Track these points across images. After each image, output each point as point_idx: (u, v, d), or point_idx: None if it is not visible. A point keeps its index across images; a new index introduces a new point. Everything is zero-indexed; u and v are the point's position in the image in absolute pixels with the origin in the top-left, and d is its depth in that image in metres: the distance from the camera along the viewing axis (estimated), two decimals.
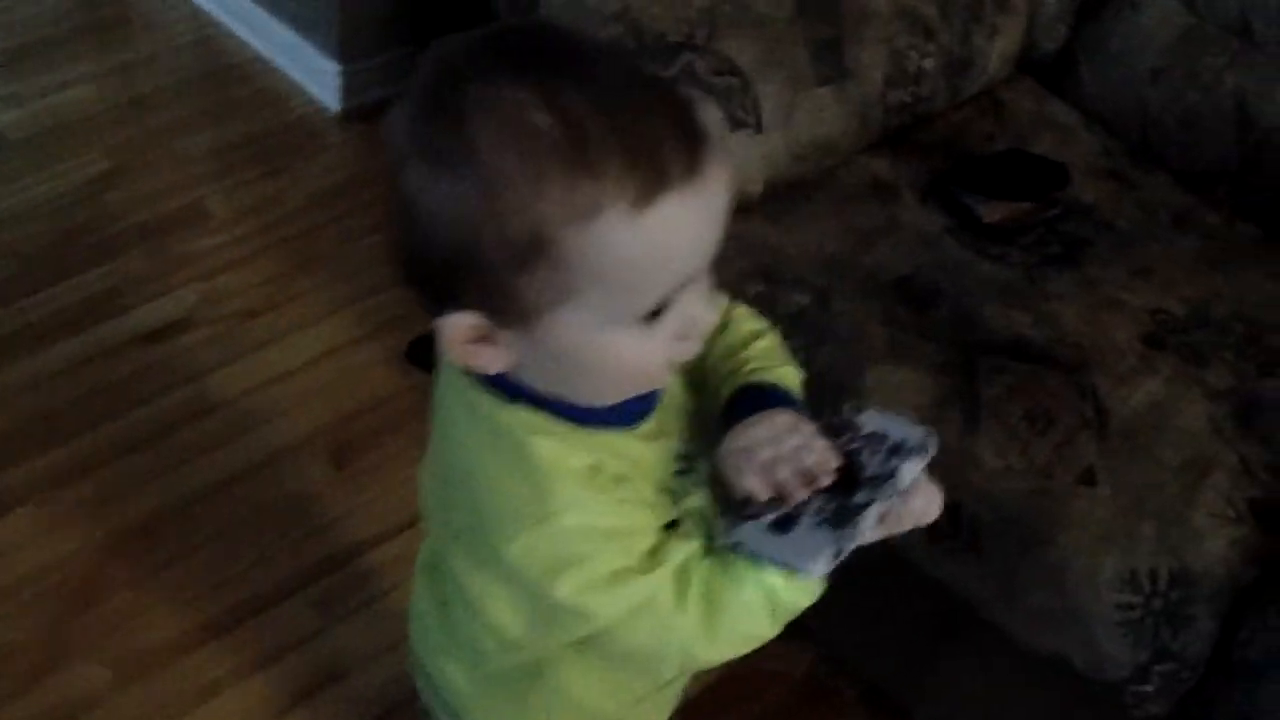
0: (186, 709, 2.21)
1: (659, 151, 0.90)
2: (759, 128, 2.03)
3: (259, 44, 3.62)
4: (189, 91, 3.52)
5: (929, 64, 2.28)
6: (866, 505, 1.06)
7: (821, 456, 1.09)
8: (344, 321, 2.88)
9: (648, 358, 1.02)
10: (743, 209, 2.08)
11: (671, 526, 1.14)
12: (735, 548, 1.08)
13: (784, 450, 1.09)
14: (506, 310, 0.97)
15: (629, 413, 1.12)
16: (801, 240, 2.06)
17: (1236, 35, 2.44)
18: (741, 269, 2.01)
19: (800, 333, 1.92)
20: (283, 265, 3.01)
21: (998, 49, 2.45)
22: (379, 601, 2.34)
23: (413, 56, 2.73)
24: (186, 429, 2.63)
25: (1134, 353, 1.98)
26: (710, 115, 0.98)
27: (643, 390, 1.10)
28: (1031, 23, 2.54)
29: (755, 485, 1.08)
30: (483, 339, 1.00)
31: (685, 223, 0.93)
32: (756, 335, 1.28)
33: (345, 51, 3.37)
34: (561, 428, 1.06)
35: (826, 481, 1.07)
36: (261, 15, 3.58)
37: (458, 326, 0.98)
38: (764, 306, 1.82)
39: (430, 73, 0.95)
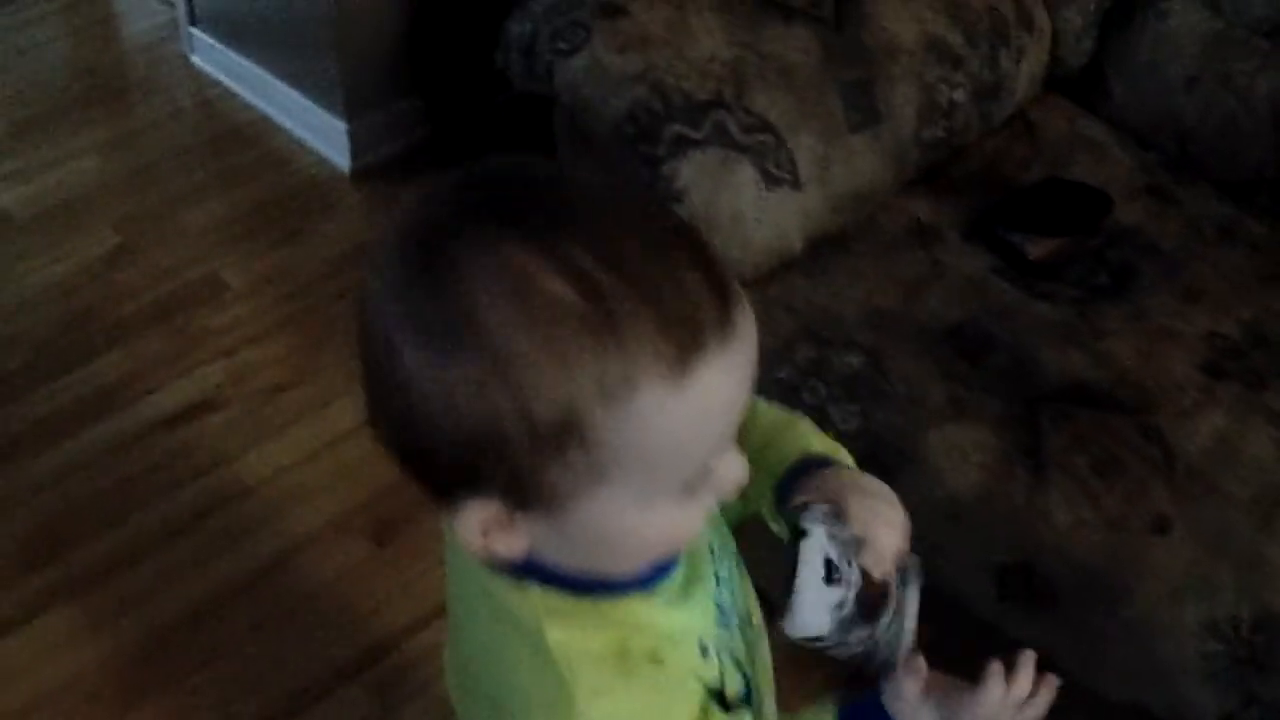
0: None
1: (690, 310, 0.81)
2: (796, 184, 1.96)
3: (263, 105, 3.57)
4: (195, 158, 3.46)
5: (959, 95, 2.21)
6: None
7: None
8: None
9: (685, 525, 0.95)
10: (784, 267, 2.01)
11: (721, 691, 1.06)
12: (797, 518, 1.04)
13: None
14: (531, 497, 0.86)
15: (655, 571, 1.03)
16: (847, 296, 1.99)
17: (1265, 37, 2.38)
18: (788, 332, 1.94)
19: (856, 396, 1.86)
20: (306, 335, 2.93)
21: (1025, 70, 2.38)
22: (436, 683, 2.25)
23: (420, 107, 2.69)
24: (218, 515, 2.56)
25: (1193, 385, 1.91)
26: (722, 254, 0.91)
27: (676, 553, 1.03)
28: (1056, 39, 2.46)
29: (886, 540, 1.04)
30: (500, 525, 0.89)
31: (723, 383, 0.84)
32: (790, 420, 1.23)
33: (351, 108, 3.31)
34: (579, 606, 0.98)
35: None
36: (262, 75, 3.52)
37: (474, 519, 0.88)
38: (815, 371, 1.82)
39: (411, 235, 0.84)
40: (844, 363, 1.91)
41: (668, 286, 0.80)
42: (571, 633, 0.95)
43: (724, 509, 1.15)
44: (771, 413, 1.24)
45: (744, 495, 1.09)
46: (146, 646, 2.35)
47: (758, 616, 1.20)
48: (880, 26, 2.13)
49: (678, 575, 1.04)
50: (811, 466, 1.14)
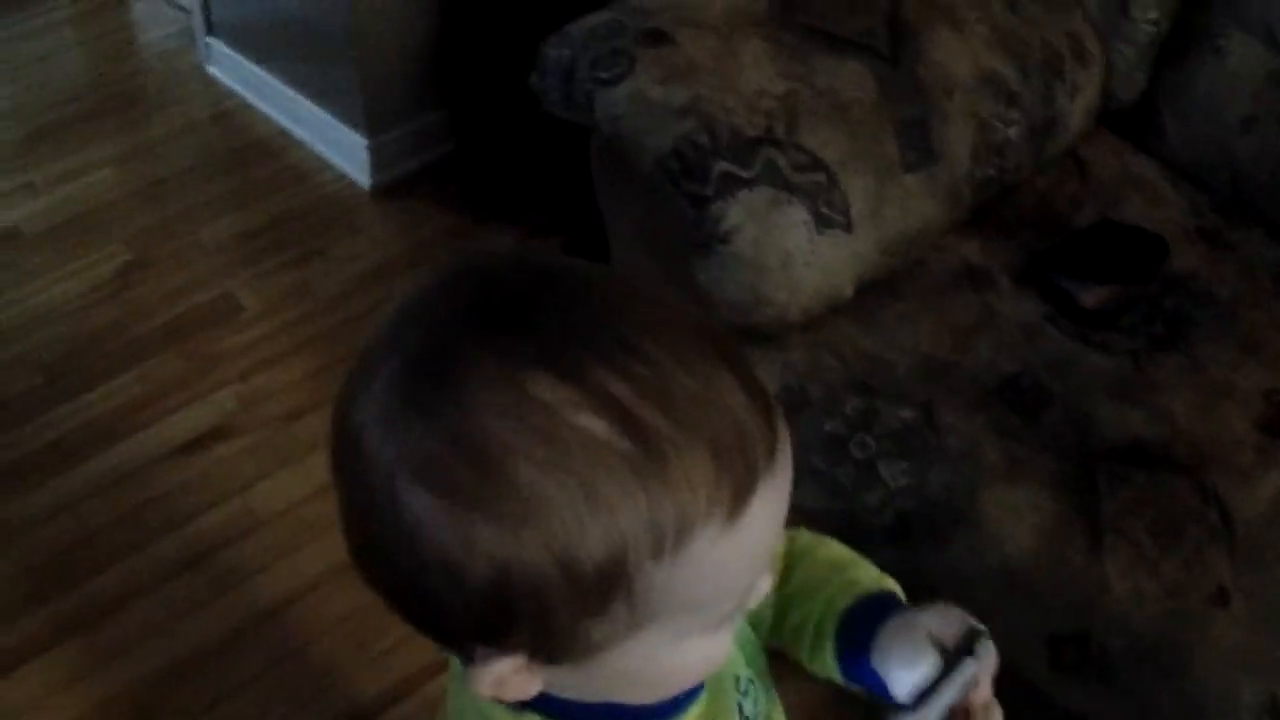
0: None
1: (742, 441, 0.74)
2: (848, 226, 1.87)
3: (281, 118, 3.48)
4: (211, 172, 3.38)
5: (1014, 132, 2.12)
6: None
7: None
8: None
9: (715, 655, 0.88)
10: (832, 312, 1.93)
11: None
12: None
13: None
14: (561, 651, 0.78)
15: (673, 703, 0.95)
16: (897, 344, 1.91)
17: None
18: (837, 381, 1.85)
19: (907, 452, 1.78)
20: (323, 358, 2.85)
21: (1079, 105, 2.29)
22: None
23: (444, 121, 2.60)
24: (229, 550, 2.48)
25: (1251, 444, 1.83)
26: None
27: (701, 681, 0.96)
28: (1108, 71, 2.36)
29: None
30: (517, 675, 0.81)
31: (771, 509, 0.78)
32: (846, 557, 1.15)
33: (372, 122, 3.22)
34: None
35: None
36: (283, 88, 3.44)
37: (491, 674, 0.79)
38: (864, 424, 1.77)
39: (413, 362, 0.74)
40: (894, 416, 1.82)
41: (716, 417, 0.73)
42: None
43: (757, 627, 1.11)
44: (806, 545, 1.17)
45: (783, 633, 1.11)
46: (152, 687, 2.27)
47: None
48: (935, 60, 2.04)
49: (698, 707, 0.97)
50: (871, 613, 1.05)
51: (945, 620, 0.99)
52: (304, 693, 2.25)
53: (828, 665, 1.07)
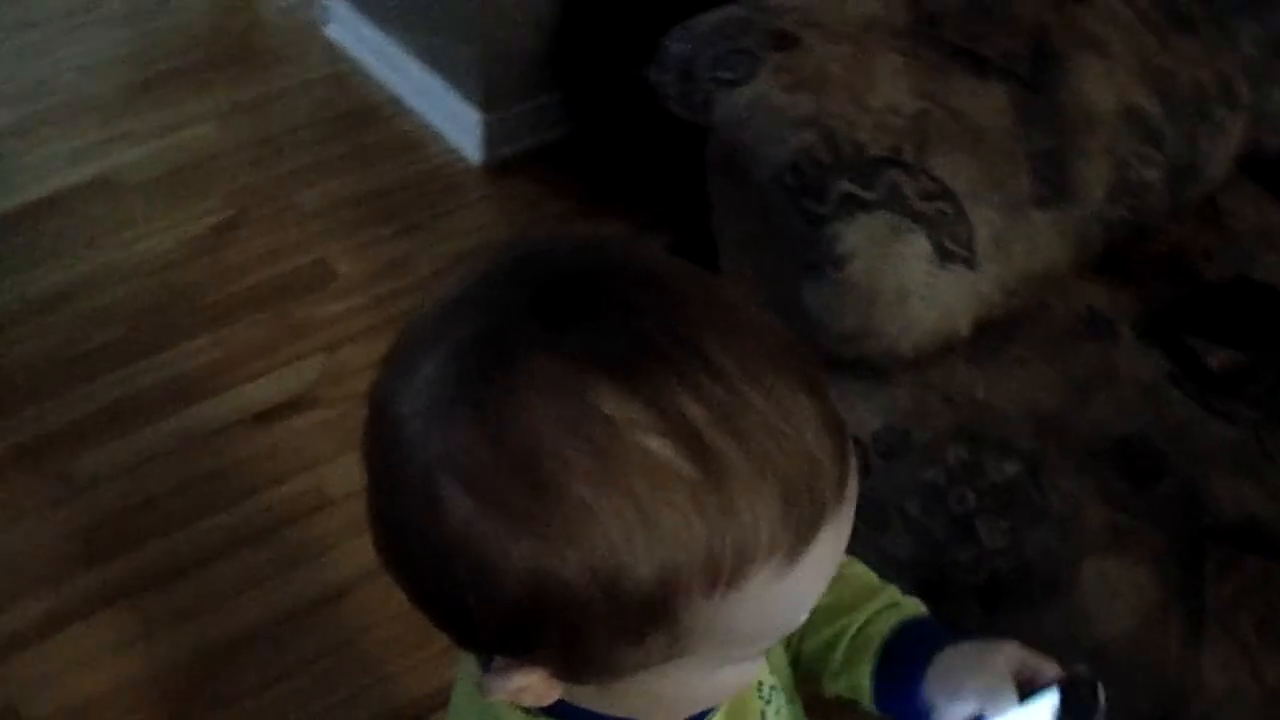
0: None
1: (812, 481, 0.68)
2: (972, 262, 1.76)
3: (396, 85, 3.40)
4: (318, 134, 3.31)
5: (1152, 173, 2.00)
6: None
7: None
8: None
9: (748, 679, 0.89)
10: (946, 350, 1.82)
11: None
12: None
13: None
14: (588, 672, 0.75)
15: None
16: (1010, 391, 1.79)
17: None
18: (943, 427, 1.75)
19: (1009, 509, 1.67)
20: None
21: (1222, 151, 2.16)
22: None
23: (561, 103, 2.52)
24: (293, 529, 2.41)
25: None
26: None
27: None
28: (1256, 118, 2.23)
29: None
30: (537, 684, 0.77)
31: (833, 548, 0.73)
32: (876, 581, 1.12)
33: (489, 98, 3.14)
34: None
35: None
36: (400, 55, 3.35)
37: (514, 684, 0.75)
38: (966, 477, 1.69)
39: (467, 351, 0.69)
40: (999, 470, 1.71)
41: (790, 450, 0.67)
42: None
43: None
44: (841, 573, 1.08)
45: (805, 646, 1.09)
46: (198, 663, 2.21)
47: None
48: (1078, 90, 1.91)
49: (718, 714, 0.94)
50: (922, 639, 1.02)
51: (1026, 659, 0.96)
52: (355, 684, 2.17)
53: (859, 687, 1.05)
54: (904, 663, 1.01)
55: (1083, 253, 1.95)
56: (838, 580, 0.98)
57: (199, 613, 2.27)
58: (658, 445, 0.64)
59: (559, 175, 3.21)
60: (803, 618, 0.78)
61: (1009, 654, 0.96)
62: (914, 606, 1.09)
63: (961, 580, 1.68)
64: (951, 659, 0.98)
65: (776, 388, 0.68)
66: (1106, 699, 0.94)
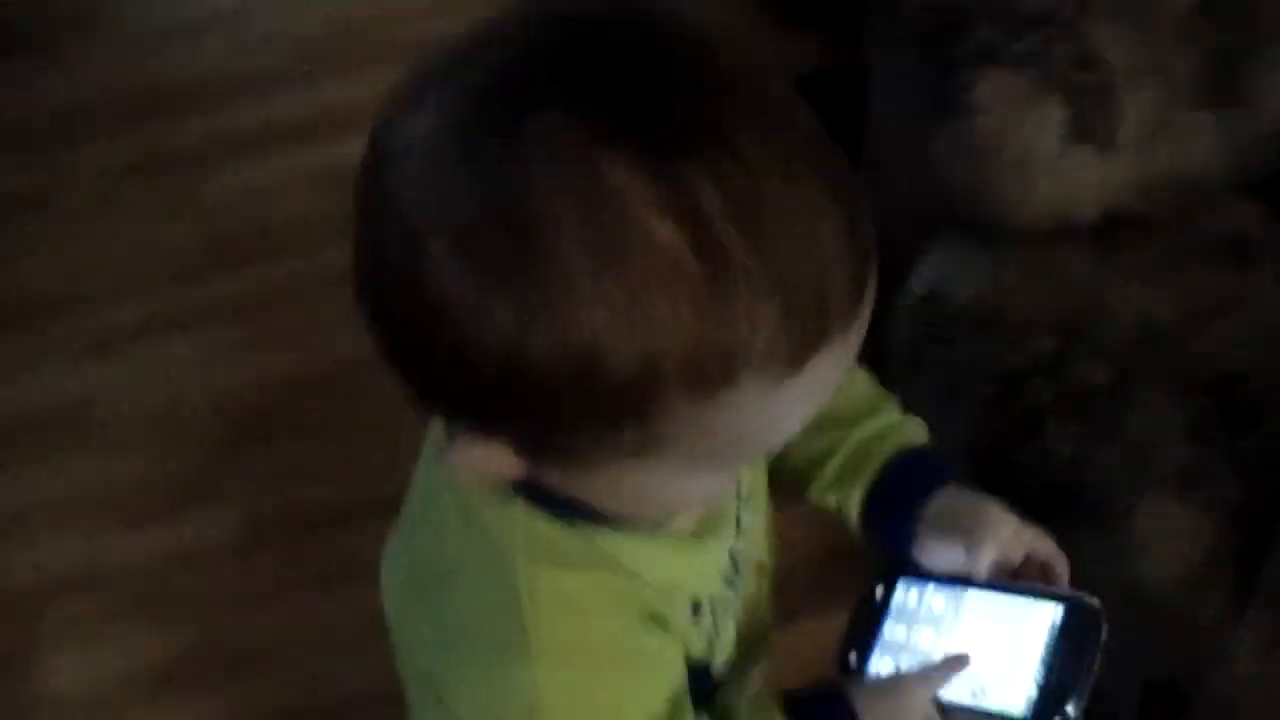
0: None
1: (823, 298, 0.65)
2: (1109, 145, 1.60)
3: None
4: None
5: None
6: None
7: None
8: None
9: (720, 490, 0.86)
10: (1064, 234, 1.67)
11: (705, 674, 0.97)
12: None
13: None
14: (552, 453, 0.72)
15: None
16: (1124, 295, 1.64)
17: None
18: (1037, 313, 1.62)
19: (1085, 417, 1.55)
20: None
21: None
22: None
23: None
24: None
25: None
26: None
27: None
28: None
29: None
30: (500, 458, 0.73)
31: (830, 372, 0.69)
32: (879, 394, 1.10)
33: None
34: (569, 537, 0.84)
35: None
36: None
37: (476, 456, 0.73)
38: (1048, 370, 1.58)
39: (473, 98, 0.65)
40: (1087, 373, 1.58)
41: (804, 260, 0.64)
42: (555, 571, 0.83)
43: None
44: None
45: (792, 453, 1.06)
46: (269, 395, 2.17)
47: (773, 560, 1.10)
48: None
49: (693, 516, 0.91)
50: (908, 472, 1.04)
51: (1041, 546, 0.99)
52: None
53: (847, 505, 1.05)
54: (900, 492, 1.01)
55: (1243, 169, 1.77)
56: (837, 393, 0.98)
57: (304, 335, 2.24)
58: (663, 228, 0.60)
59: None
60: (786, 438, 0.76)
61: (1017, 530, 0.97)
62: (914, 429, 1.08)
63: (1015, 478, 1.56)
64: (952, 504, 0.99)
65: (804, 190, 0.64)
66: (1105, 638, 0.91)
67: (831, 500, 1.07)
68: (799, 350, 0.65)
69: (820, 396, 0.72)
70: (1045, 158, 1.59)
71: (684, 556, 0.91)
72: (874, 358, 1.70)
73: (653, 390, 0.64)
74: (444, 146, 0.64)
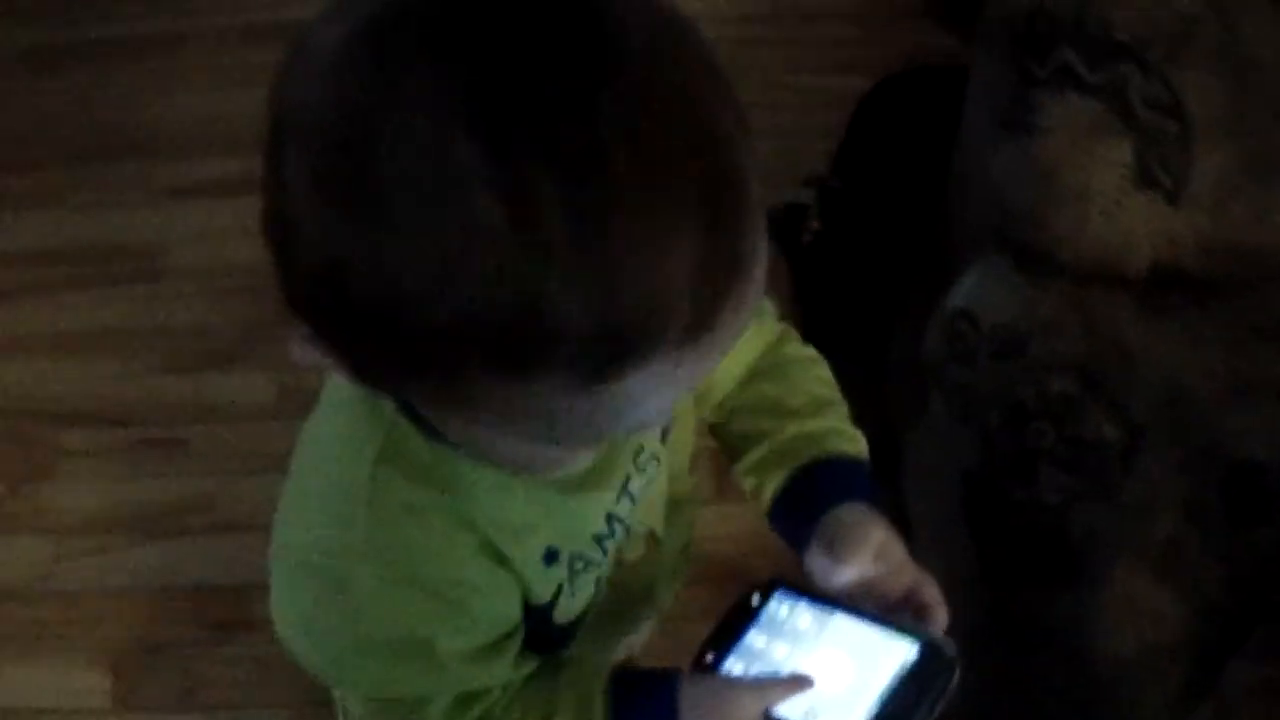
0: None
1: (652, 321, 0.63)
2: (1174, 198, 1.51)
3: None
4: None
5: None
6: None
7: None
8: None
9: (566, 461, 0.87)
10: (1111, 281, 1.58)
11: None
12: None
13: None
14: (368, 379, 0.73)
15: None
16: (1159, 356, 1.55)
17: None
18: (1064, 353, 1.54)
19: (1081, 471, 1.49)
20: None
21: None
22: None
23: None
24: None
25: None
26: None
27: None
28: None
29: None
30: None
31: (660, 389, 0.68)
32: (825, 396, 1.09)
33: None
34: (434, 455, 0.84)
35: None
36: None
37: (306, 356, 0.71)
38: (1057, 414, 1.52)
39: (351, 46, 0.64)
40: (1096, 426, 1.50)
41: (636, 287, 0.61)
42: (400, 480, 0.84)
43: (703, 398, 1.06)
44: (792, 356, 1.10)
45: (730, 425, 1.09)
46: None
47: (678, 535, 1.12)
48: None
49: (582, 466, 0.91)
50: (836, 480, 1.02)
51: (914, 581, 0.96)
52: None
53: (761, 494, 1.05)
54: (809, 496, 1.00)
55: None
56: (791, 376, 1.08)
57: None
58: (491, 206, 0.59)
59: None
60: (626, 432, 0.79)
61: (883, 548, 0.95)
62: (852, 442, 1.06)
63: (1002, 518, 1.53)
64: (840, 516, 0.97)
65: (663, 215, 0.61)
66: (953, 686, 0.90)
67: (750, 483, 1.07)
68: (609, 365, 0.63)
69: (655, 413, 0.71)
70: (1104, 196, 1.51)
71: (545, 505, 0.91)
72: (908, 360, 1.68)
73: (457, 353, 0.63)
74: (333, 59, 0.64)
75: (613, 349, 0.63)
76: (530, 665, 0.97)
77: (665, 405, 0.72)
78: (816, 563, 0.96)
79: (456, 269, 0.61)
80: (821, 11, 2.66)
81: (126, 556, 2.04)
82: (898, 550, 0.97)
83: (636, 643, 1.20)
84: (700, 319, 0.64)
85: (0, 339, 2.28)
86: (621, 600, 1.07)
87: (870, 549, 0.95)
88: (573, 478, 0.92)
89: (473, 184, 0.59)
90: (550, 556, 0.93)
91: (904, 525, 1.66)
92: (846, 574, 0.94)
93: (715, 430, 1.11)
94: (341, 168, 0.63)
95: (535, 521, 0.91)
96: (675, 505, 1.09)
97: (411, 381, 0.70)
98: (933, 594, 0.96)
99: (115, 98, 2.54)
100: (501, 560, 0.89)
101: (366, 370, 0.71)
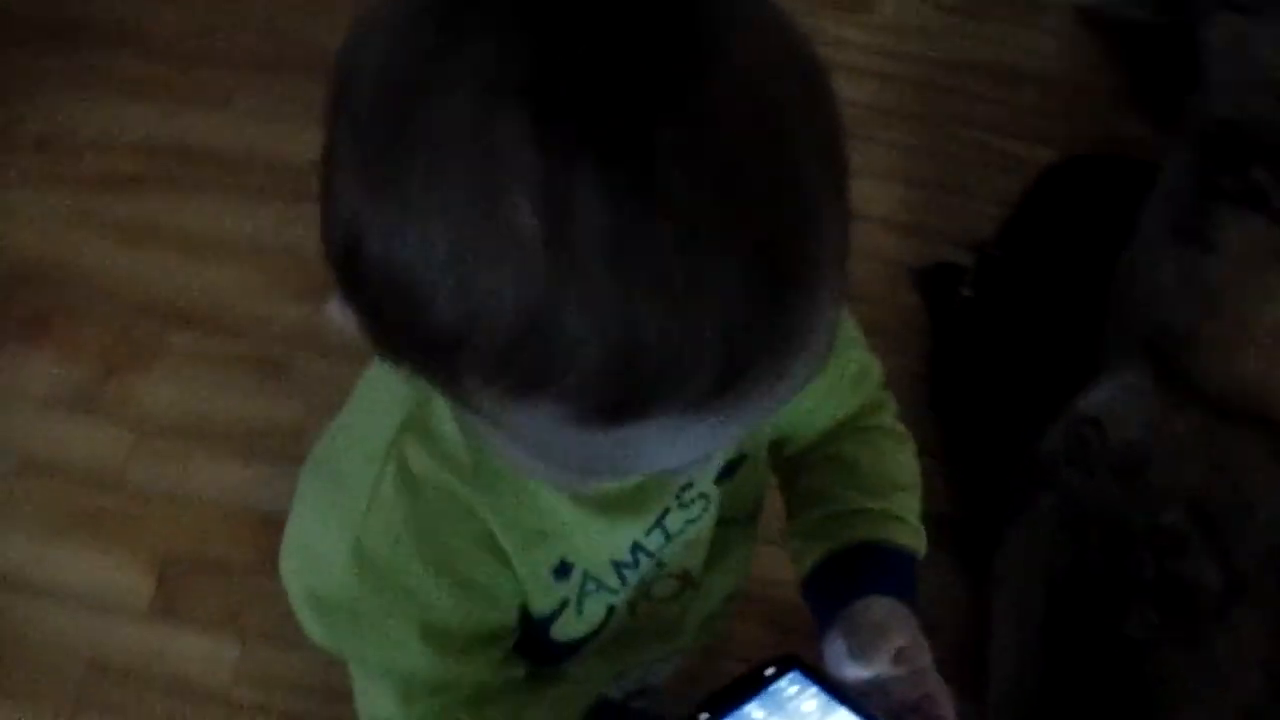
0: None
1: (669, 377, 0.56)
2: None
3: None
4: None
5: None
6: None
7: None
8: None
9: (574, 489, 0.81)
10: (1251, 420, 1.52)
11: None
12: None
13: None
14: (388, 352, 0.65)
15: None
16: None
17: None
18: (1187, 487, 1.47)
19: (1170, 612, 1.41)
20: None
21: None
22: None
23: None
24: None
25: None
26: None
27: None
28: None
29: None
30: None
31: (683, 438, 0.61)
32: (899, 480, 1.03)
33: None
34: (462, 436, 0.80)
35: None
36: None
37: (338, 321, 0.66)
38: (1162, 547, 1.44)
39: (419, 18, 0.58)
40: (1199, 567, 1.42)
41: (667, 311, 0.54)
42: (420, 453, 0.81)
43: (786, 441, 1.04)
44: (883, 447, 1.05)
45: (798, 482, 1.04)
46: None
47: (717, 580, 1.07)
48: None
49: (612, 488, 0.85)
50: (865, 568, 0.96)
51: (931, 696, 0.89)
52: None
53: (801, 562, 1.00)
54: (844, 581, 0.95)
55: None
56: (875, 446, 1.03)
57: None
58: (523, 203, 0.53)
59: None
60: (623, 478, 0.75)
61: (918, 671, 0.89)
62: (910, 532, 1.00)
63: (1078, 639, 1.45)
64: (869, 618, 0.91)
65: (711, 270, 0.54)
66: None
67: (794, 546, 1.02)
68: (612, 408, 0.57)
69: (680, 453, 0.64)
70: (1266, 332, 1.42)
71: (566, 518, 0.87)
72: (1026, 448, 1.60)
73: (461, 355, 0.58)
74: (399, 22, 0.59)
75: (619, 391, 0.57)
76: (518, 671, 0.95)
77: (690, 458, 0.65)
78: (834, 651, 0.91)
79: (469, 263, 0.55)
80: (1027, 75, 2.59)
81: (201, 467, 2.01)
82: (920, 656, 0.91)
83: (656, 678, 1.15)
84: (726, 383, 0.57)
85: (134, 226, 2.27)
86: (641, 634, 1.02)
87: (890, 650, 0.89)
88: (605, 497, 0.87)
89: (507, 170, 0.54)
90: (562, 570, 0.90)
91: (982, 613, 1.61)
92: (862, 671, 0.89)
93: (780, 474, 1.06)
94: (377, 134, 0.58)
95: (551, 532, 0.87)
96: (724, 549, 1.04)
97: (423, 375, 0.64)
98: (946, 710, 0.90)
99: (303, 13, 2.51)
100: (504, 561, 0.86)
101: (381, 348, 0.66)
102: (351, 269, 0.60)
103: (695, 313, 0.54)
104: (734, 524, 1.03)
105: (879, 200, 2.33)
